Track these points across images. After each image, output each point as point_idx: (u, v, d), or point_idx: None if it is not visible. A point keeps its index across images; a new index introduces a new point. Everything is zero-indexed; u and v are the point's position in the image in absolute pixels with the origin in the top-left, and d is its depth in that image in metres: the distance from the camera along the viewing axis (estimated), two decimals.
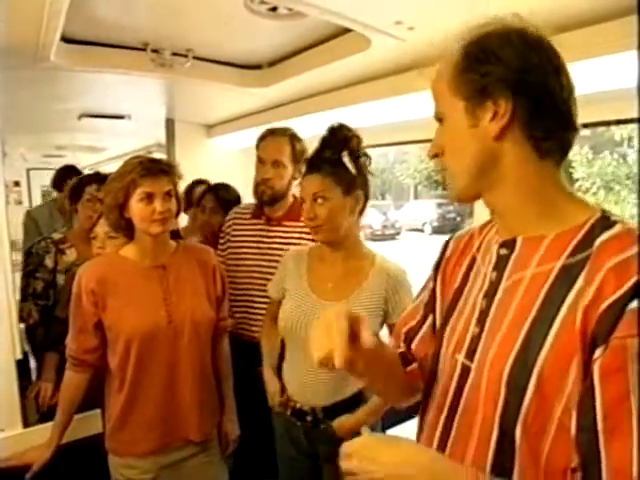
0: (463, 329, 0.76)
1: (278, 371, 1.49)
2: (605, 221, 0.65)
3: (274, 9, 1.42)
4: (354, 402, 1.33)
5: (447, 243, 0.91)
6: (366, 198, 1.37)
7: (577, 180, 10.22)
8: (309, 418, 1.34)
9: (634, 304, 0.55)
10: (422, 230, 18.24)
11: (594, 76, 1.19)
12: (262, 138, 1.76)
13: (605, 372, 0.56)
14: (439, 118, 0.74)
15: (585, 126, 1.63)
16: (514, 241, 0.72)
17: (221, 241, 1.90)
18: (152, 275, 1.36)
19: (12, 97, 2.11)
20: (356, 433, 1.06)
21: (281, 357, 1.51)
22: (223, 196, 2.17)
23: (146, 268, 1.36)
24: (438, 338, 0.83)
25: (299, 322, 1.33)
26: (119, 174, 1.30)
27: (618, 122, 1.47)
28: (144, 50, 1.75)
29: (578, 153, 10.07)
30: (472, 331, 0.74)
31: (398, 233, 17.61)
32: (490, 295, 0.73)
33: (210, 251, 1.53)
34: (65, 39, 1.57)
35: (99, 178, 2.00)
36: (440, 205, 18.10)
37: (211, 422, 1.46)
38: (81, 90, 2.22)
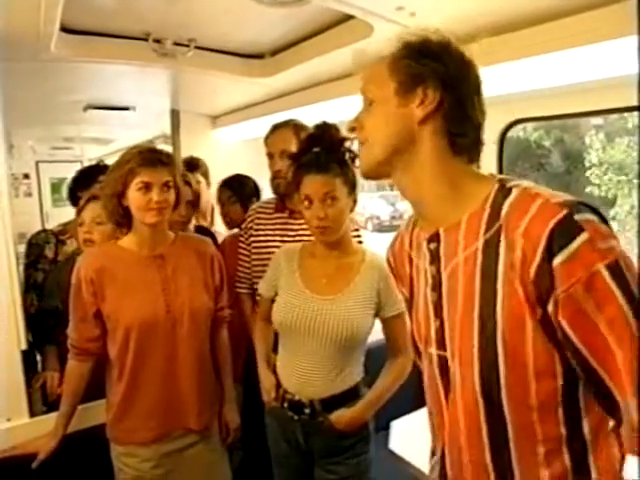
0: (425, 324, 0.81)
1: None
2: (502, 190, 0.71)
3: None
4: (350, 395, 1.35)
5: (388, 259, 0.99)
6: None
7: (590, 167, 10.07)
8: (307, 411, 1.33)
9: (557, 260, 0.61)
10: None
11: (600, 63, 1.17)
12: (267, 135, 1.78)
13: (572, 322, 0.63)
14: (369, 100, 0.79)
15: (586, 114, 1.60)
16: (438, 234, 0.76)
17: (243, 236, 1.88)
18: (150, 265, 1.36)
19: (19, 90, 2.11)
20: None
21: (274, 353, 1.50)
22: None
23: (144, 258, 1.36)
24: (412, 336, 0.89)
25: (295, 317, 1.33)
26: (118, 163, 1.31)
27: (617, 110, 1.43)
28: (146, 40, 1.74)
29: (594, 137, 9.91)
30: (433, 324, 0.79)
31: None
32: (437, 287, 0.78)
33: (208, 242, 1.53)
34: (65, 29, 1.56)
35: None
36: None
37: (211, 411, 1.46)
38: (85, 81, 2.22)
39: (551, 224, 0.62)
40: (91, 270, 1.31)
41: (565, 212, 0.62)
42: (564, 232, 0.61)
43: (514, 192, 0.69)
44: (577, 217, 0.62)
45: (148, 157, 1.28)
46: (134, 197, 1.28)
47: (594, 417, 0.69)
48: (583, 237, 0.60)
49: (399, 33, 0.77)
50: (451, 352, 0.75)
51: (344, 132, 1.34)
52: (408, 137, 0.75)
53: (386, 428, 2.07)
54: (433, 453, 0.87)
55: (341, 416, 1.31)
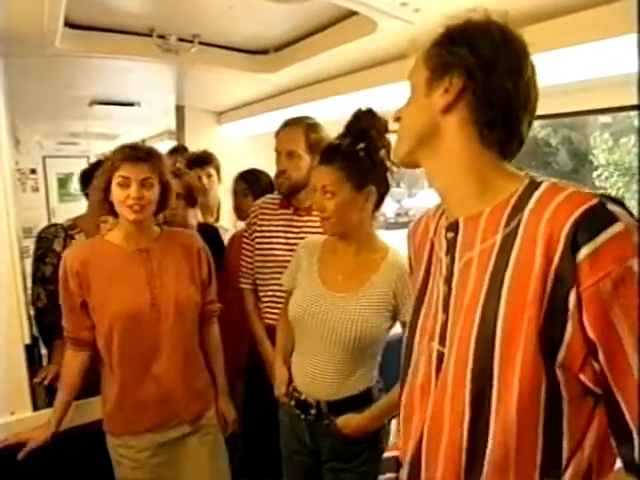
0: (433, 317, 0.77)
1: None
2: (532, 185, 0.67)
3: None
4: (361, 400, 1.29)
5: (408, 242, 0.95)
6: (383, 192, 1.32)
7: (597, 168, 9.99)
8: (313, 411, 1.30)
9: (582, 253, 0.56)
10: None
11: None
12: (278, 131, 1.73)
13: (595, 328, 0.57)
14: (410, 89, 0.78)
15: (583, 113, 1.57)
16: (457, 223, 0.74)
17: (247, 231, 1.87)
18: (136, 258, 1.37)
19: (25, 85, 2.13)
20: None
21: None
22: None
23: (130, 251, 1.37)
24: (410, 326, 0.84)
25: (306, 312, 1.30)
26: (107, 158, 1.34)
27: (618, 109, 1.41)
28: (150, 36, 1.74)
29: (600, 139, 9.82)
30: (440, 318, 0.75)
31: (412, 221, 17.44)
32: (449, 280, 0.74)
33: (194, 235, 1.53)
34: (70, 25, 1.57)
35: None
36: None
37: (201, 402, 1.46)
38: (90, 77, 2.23)
39: (578, 212, 0.57)
40: (76, 262, 1.32)
41: (597, 200, 0.57)
42: (594, 220, 0.56)
43: (543, 186, 0.65)
44: (610, 207, 0.57)
45: (129, 153, 1.30)
46: (115, 192, 1.30)
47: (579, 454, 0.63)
48: (617, 228, 0.55)
49: (447, 17, 0.73)
50: (449, 349, 0.71)
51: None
52: (431, 127, 0.72)
53: None
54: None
55: (348, 421, 1.26)
